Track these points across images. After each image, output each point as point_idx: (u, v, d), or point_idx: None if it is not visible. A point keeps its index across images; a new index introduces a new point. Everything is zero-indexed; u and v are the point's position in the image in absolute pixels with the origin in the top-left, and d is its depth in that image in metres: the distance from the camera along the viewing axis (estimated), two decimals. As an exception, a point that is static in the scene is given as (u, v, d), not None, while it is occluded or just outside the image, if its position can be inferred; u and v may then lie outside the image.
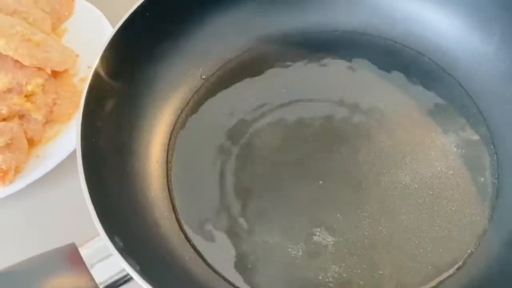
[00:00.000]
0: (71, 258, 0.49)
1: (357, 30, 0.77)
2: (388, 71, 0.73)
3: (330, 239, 0.60)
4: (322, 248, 0.59)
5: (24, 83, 0.76)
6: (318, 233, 0.61)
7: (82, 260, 0.50)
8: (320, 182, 0.64)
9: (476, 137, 0.65)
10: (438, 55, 0.73)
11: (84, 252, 0.50)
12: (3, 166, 0.71)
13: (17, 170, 0.75)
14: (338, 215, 0.61)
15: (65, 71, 0.84)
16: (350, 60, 0.74)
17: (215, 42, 0.77)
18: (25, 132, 0.77)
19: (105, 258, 0.50)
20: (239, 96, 0.73)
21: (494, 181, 0.62)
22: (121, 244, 0.51)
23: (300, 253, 0.59)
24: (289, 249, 0.60)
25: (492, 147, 0.65)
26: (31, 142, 0.78)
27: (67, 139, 0.78)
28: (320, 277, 0.58)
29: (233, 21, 0.76)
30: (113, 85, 0.68)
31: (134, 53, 0.70)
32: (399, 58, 0.74)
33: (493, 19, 0.68)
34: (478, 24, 0.70)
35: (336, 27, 0.77)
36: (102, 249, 0.49)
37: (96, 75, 0.66)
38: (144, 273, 0.48)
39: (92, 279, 0.50)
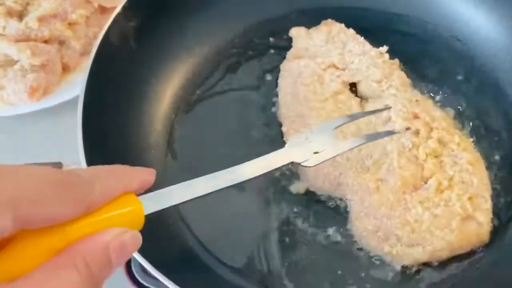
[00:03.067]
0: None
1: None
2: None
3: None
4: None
5: (69, 11, 0.80)
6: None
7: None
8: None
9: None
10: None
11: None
12: (33, 84, 0.76)
13: (47, 91, 0.79)
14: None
15: (112, 8, 0.84)
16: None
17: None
18: (62, 58, 0.81)
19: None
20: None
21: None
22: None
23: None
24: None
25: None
26: (66, 68, 0.82)
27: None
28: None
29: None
30: (138, 23, 0.69)
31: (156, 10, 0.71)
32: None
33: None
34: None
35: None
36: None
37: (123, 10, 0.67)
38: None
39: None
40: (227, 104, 0.71)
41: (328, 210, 0.61)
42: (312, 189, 0.62)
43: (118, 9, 0.68)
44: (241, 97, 0.71)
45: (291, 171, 0.63)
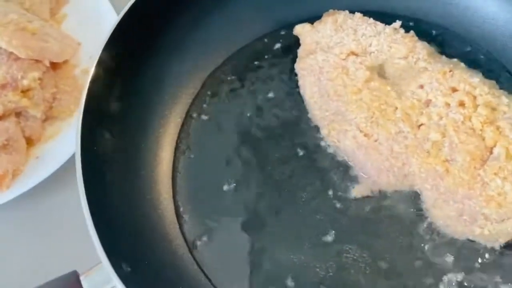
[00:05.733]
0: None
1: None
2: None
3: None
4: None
5: (19, 77, 0.69)
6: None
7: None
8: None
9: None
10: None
11: (86, 284, 0.44)
12: (-1, 170, 0.65)
13: (15, 174, 0.68)
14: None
15: (65, 62, 0.77)
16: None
17: (229, 30, 0.69)
18: (23, 131, 0.70)
19: (110, 290, 0.43)
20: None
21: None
22: (128, 269, 0.45)
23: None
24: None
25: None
26: (30, 142, 0.71)
27: (70, 137, 0.71)
28: None
29: (251, 8, 0.69)
30: (117, 81, 0.61)
31: (140, 44, 0.63)
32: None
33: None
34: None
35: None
36: (106, 279, 0.43)
37: (98, 69, 0.59)
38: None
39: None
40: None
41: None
42: (377, 188, 0.57)
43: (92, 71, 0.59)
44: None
45: (345, 176, 0.59)
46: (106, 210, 0.49)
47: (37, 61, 0.72)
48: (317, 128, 0.62)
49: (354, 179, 0.59)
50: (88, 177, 0.50)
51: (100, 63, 0.59)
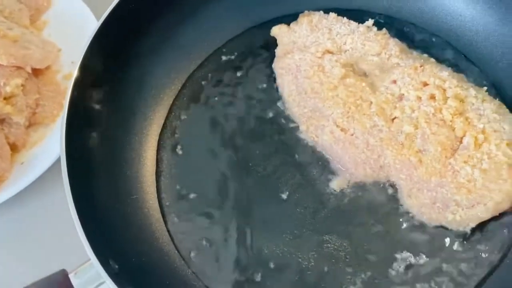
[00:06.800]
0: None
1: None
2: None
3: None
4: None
5: (2, 84, 0.69)
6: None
7: (75, 290, 0.45)
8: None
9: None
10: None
11: (76, 281, 0.45)
12: (-17, 177, 0.66)
13: (1, 180, 0.69)
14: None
15: (47, 68, 0.78)
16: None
17: (207, 31, 0.71)
18: (7, 138, 0.71)
19: (99, 286, 0.45)
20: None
21: None
22: (116, 267, 0.46)
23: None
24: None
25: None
26: (15, 148, 0.72)
27: (54, 141, 0.72)
28: None
29: (225, 9, 0.70)
30: (99, 85, 0.62)
31: (121, 49, 0.64)
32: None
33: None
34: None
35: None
36: (95, 276, 0.44)
37: (80, 74, 0.60)
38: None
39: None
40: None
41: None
42: (355, 180, 0.60)
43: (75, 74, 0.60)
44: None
45: (324, 170, 0.61)
46: (93, 210, 0.51)
47: (19, 68, 0.72)
48: (296, 125, 0.65)
49: (333, 172, 0.61)
50: (74, 179, 0.52)
51: (82, 67, 0.60)
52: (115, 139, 0.61)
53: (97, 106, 0.61)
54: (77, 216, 0.46)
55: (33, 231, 0.68)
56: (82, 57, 0.61)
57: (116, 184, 0.57)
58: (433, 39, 0.69)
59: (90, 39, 0.62)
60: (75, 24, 0.81)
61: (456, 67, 0.66)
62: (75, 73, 0.60)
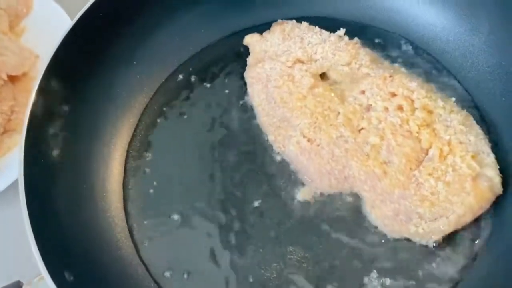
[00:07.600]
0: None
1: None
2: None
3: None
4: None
5: None
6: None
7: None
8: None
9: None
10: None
11: (30, 293, 0.45)
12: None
13: None
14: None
15: (24, 74, 0.78)
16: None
17: (180, 38, 0.71)
18: None
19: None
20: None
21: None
22: (72, 278, 0.46)
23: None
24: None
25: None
26: None
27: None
28: None
29: (199, 17, 0.70)
30: (66, 90, 0.62)
31: (89, 54, 0.65)
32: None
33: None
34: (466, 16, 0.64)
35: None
36: (49, 288, 0.45)
37: (46, 78, 0.60)
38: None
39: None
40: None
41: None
42: (320, 190, 0.59)
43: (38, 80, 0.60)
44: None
45: (291, 180, 0.61)
46: (51, 220, 0.51)
47: (-7, 74, 0.73)
48: (265, 135, 0.64)
49: (299, 183, 0.61)
50: (31, 188, 0.51)
51: (49, 70, 0.60)
52: (82, 146, 0.61)
53: (62, 111, 0.61)
54: (31, 229, 0.46)
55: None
56: (49, 59, 0.61)
57: (79, 194, 0.58)
58: (406, 48, 0.69)
59: (59, 42, 0.62)
60: (54, 31, 0.81)
61: (428, 75, 0.66)
62: (40, 75, 0.59)
